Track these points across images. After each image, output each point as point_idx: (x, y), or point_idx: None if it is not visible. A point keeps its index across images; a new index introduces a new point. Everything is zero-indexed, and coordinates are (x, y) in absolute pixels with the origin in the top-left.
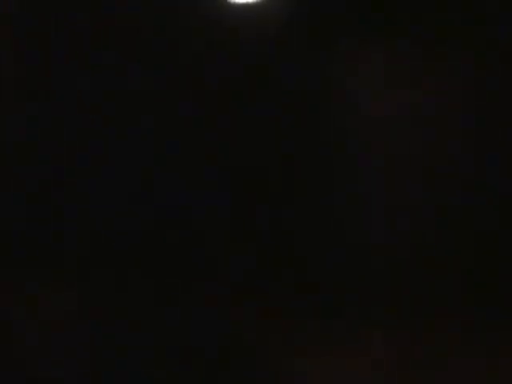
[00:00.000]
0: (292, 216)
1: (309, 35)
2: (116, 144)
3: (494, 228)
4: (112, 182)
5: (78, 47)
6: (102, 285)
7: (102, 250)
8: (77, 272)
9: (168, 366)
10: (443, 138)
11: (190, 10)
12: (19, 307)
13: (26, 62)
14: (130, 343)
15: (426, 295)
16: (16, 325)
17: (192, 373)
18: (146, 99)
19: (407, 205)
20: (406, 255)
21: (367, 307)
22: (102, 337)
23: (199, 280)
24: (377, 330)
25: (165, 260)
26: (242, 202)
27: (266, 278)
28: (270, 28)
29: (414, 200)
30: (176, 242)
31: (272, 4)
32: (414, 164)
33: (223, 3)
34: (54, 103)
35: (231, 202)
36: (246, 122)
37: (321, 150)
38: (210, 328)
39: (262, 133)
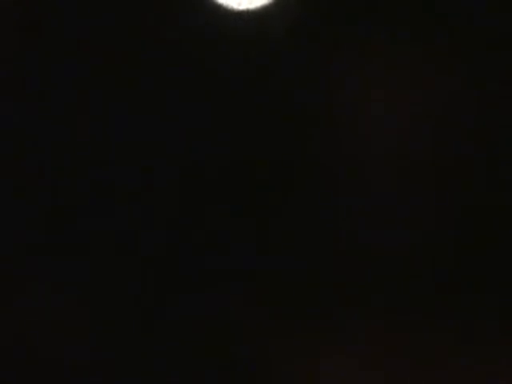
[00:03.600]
0: (290, 214)
1: (311, 41)
2: (117, 146)
3: (495, 227)
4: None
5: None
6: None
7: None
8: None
9: (167, 366)
10: (444, 139)
11: (191, 17)
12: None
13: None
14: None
15: (426, 294)
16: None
17: (192, 373)
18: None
19: (407, 204)
20: (405, 254)
21: (367, 306)
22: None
23: (198, 280)
24: (376, 329)
25: (165, 258)
26: (241, 201)
27: (265, 275)
28: (271, 35)
29: (414, 198)
30: (178, 241)
31: (273, 11)
32: (414, 164)
33: (224, 11)
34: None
35: (230, 202)
36: (246, 127)
37: (320, 150)
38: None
39: (263, 137)
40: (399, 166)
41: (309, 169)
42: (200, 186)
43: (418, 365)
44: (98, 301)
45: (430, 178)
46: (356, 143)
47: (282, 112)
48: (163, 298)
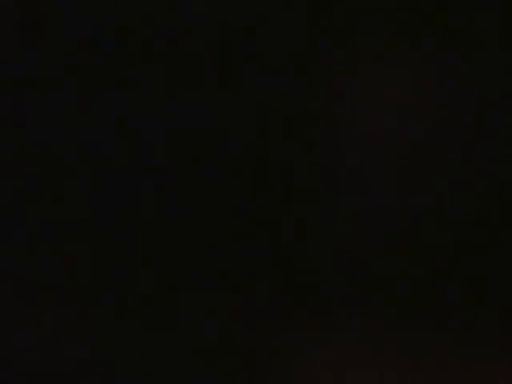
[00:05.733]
0: (291, 214)
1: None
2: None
3: (495, 227)
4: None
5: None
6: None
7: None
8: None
9: (169, 367)
10: (444, 139)
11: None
12: None
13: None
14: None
15: (426, 292)
16: None
17: (192, 373)
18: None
19: (407, 202)
20: (405, 254)
21: (367, 306)
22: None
23: (198, 280)
24: (376, 329)
25: (166, 259)
26: (241, 201)
27: (266, 271)
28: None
29: (413, 197)
30: (179, 241)
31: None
32: (412, 164)
33: None
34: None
35: (230, 202)
36: (246, 128)
37: (318, 147)
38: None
39: (263, 137)
40: (399, 166)
41: (309, 169)
42: (200, 186)
43: (418, 365)
44: (98, 303)
45: (430, 177)
46: (356, 143)
47: (281, 112)
48: (163, 299)
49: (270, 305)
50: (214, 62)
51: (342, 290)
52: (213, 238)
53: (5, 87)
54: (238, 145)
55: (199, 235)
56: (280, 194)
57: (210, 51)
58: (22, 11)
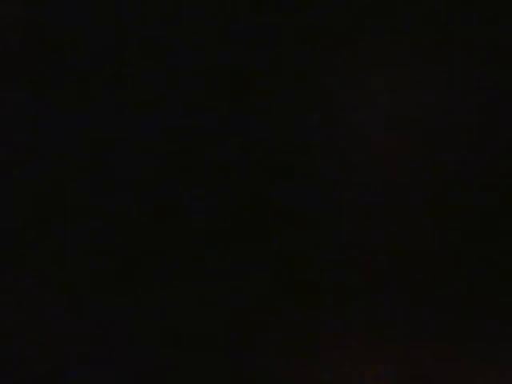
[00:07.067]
0: (290, 208)
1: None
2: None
3: (495, 227)
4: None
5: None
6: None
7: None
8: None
9: (165, 361)
10: (443, 139)
11: None
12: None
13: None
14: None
15: (426, 291)
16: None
17: (191, 368)
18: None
19: (407, 202)
20: (405, 254)
21: (367, 306)
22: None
23: (196, 276)
24: (376, 329)
25: (163, 256)
26: (241, 198)
27: (266, 271)
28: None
29: (413, 194)
30: (173, 240)
31: None
32: (412, 163)
33: None
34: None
35: (229, 201)
36: (247, 127)
37: (318, 147)
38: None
39: (263, 137)
40: (399, 166)
41: (309, 168)
42: (200, 186)
43: (417, 364)
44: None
45: (429, 177)
46: (356, 143)
47: (281, 112)
48: (162, 299)
49: (270, 305)
50: (213, 62)
51: (342, 290)
52: (212, 237)
53: (5, 87)
54: (237, 145)
55: (199, 235)
56: (280, 193)
57: (210, 52)
58: (22, 11)
